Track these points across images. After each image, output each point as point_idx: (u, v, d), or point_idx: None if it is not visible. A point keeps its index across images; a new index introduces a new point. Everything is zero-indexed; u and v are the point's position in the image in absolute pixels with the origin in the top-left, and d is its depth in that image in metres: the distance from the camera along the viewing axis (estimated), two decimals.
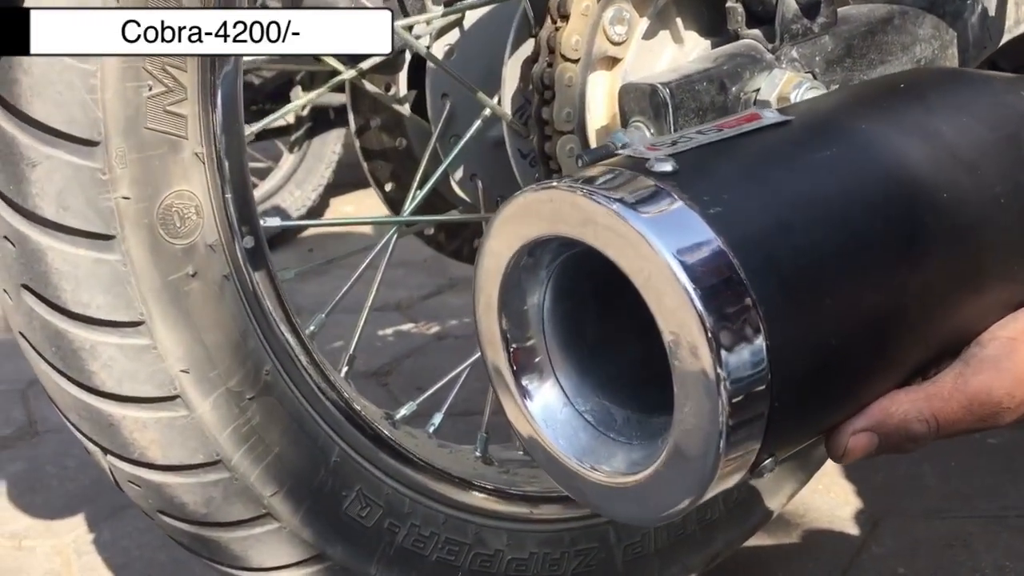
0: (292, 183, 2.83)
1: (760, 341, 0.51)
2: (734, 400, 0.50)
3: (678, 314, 0.50)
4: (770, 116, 0.62)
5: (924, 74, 0.76)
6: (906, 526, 1.27)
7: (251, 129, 0.80)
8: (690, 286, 0.50)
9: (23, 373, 1.84)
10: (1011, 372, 0.60)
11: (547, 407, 0.60)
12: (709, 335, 0.50)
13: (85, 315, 0.70)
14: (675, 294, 0.50)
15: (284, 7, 1.77)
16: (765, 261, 0.52)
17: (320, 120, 2.80)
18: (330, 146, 2.84)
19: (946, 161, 0.62)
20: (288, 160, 2.86)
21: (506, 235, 0.57)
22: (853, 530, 1.27)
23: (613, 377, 0.61)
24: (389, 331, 2.12)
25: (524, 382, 0.60)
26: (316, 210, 2.90)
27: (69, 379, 0.73)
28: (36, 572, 1.30)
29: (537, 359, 0.60)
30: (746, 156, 0.58)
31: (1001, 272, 0.63)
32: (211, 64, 0.71)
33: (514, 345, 0.60)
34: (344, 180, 2.92)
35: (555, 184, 0.55)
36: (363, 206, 2.96)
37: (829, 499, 1.34)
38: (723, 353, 0.50)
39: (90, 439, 0.76)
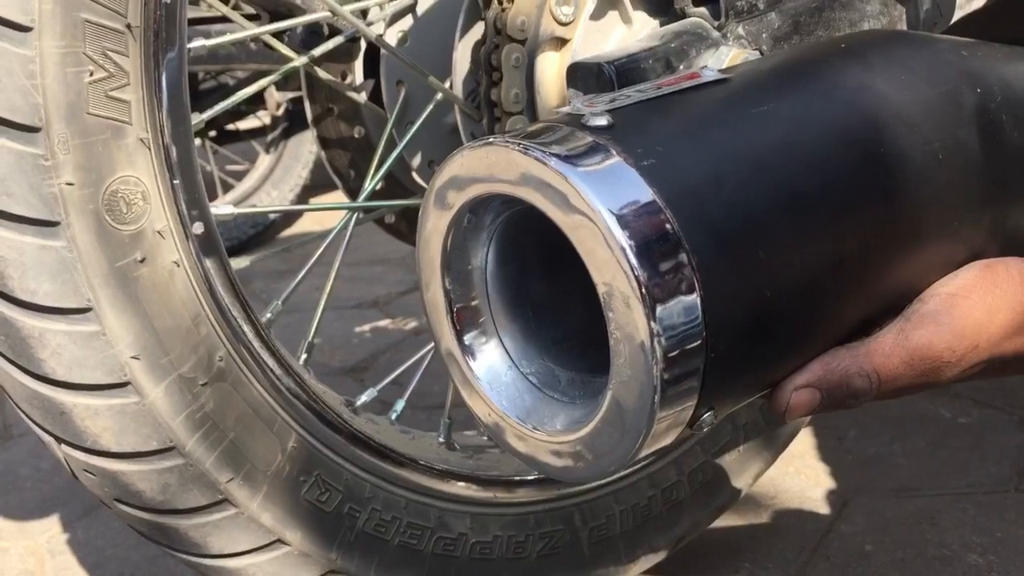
0: (269, 184, 2.84)
1: (694, 294, 0.50)
2: (668, 354, 0.50)
3: (610, 266, 0.50)
4: (709, 74, 0.62)
5: (866, 35, 0.77)
6: (875, 505, 1.28)
7: (200, 117, 0.80)
8: (622, 238, 0.49)
9: None
10: (951, 327, 0.60)
11: (491, 369, 0.60)
12: (642, 288, 0.49)
13: (32, 302, 0.70)
14: (607, 247, 0.50)
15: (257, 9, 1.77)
16: (699, 213, 0.52)
17: (296, 120, 2.81)
18: (307, 146, 2.84)
19: (884, 116, 0.62)
20: (264, 161, 2.86)
21: (447, 193, 0.57)
22: (823, 509, 1.28)
23: (558, 339, 0.61)
24: (367, 327, 2.12)
25: (467, 342, 0.60)
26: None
27: (19, 367, 0.72)
28: (10, 573, 1.29)
29: (481, 320, 0.60)
30: (683, 111, 0.58)
31: (941, 229, 0.63)
32: (154, 49, 0.71)
33: (458, 305, 0.59)
34: (322, 180, 2.92)
35: (492, 140, 0.55)
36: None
37: (800, 480, 1.35)
38: (656, 306, 0.49)
39: (43, 428, 0.75)
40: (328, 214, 2.90)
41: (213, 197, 2.76)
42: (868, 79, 0.64)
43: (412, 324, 2.11)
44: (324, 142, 1.10)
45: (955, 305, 0.61)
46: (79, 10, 0.67)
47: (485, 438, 1.02)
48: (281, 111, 2.79)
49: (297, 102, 2.71)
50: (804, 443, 1.43)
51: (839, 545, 1.20)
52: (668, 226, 0.51)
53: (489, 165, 0.55)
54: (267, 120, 2.85)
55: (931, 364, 0.60)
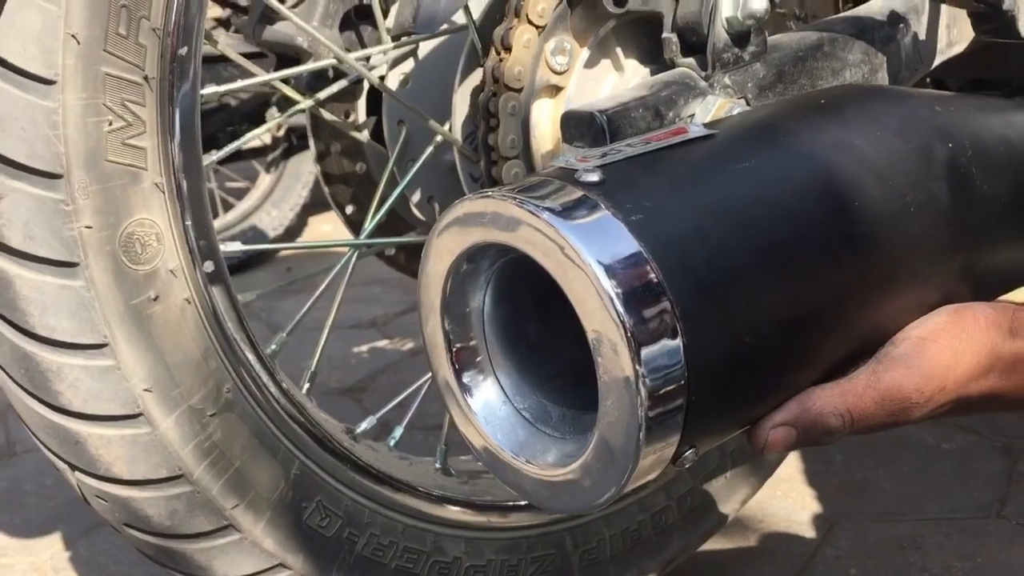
0: (269, 203, 2.87)
1: (676, 340, 0.54)
2: (652, 395, 0.54)
3: (599, 314, 0.54)
4: (695, 130, 0.66)
5: (844, 90, 0.81)
6: (860, 529, 1.31)
7: (212, 158, 0.84)
8: (609, 288, 0.53)
9: (2, 396, 1.87)
10: (920, 369, 0.63)
11: (487, 405, 0.63)
12: (628, 334, 0.53)
13: (52, 338, 0.74)
14: (596, 296, 0.54)
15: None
16: (682, 265, 0.56)
17: (296, 141, 2.85)
18: (307, 166, 2.88)
19: (859, 172, 0.65)
20: (265, 180, 2.90)
21: (447, 241, 0.61)
22: (809, 533, 1.31)
23: (550, 376, 0.64)
24: (364, 348, 2.16)
25: (465, 380, 0.63)
26: (294, 229, 2.94)
27: (38, 399, 0.76)
28: None
29: (478, 359, 0.63)
30: (669, 167, 0.62)
31: (913, 276, 0.67)
32: (168, 97, 0.75)
33: (457, 345, 0.63)
34: (322, 199, 2.95)
35: (490, 193, 0.58)
36: (341, 224, 3.01)
37: (787, 504, 1.39)
38: (641, 351, 0.53)
39: (58, 456, 0.79)
40: (332, 235, 2.95)
41: (214, 215, 2.79)
42: (844, 136, 0.68)
43: (409, 345, 2.15)
44: (327, 177, 1.14)
45: (924, 349, 0.64)
46: (100, 64, 0.71)
47: (480, 464, 1.06)
48: (282, 132, 2.83)
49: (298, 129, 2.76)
50: (792, 467, 1.47)
51: (824, 569, 1.23)
52: (653, 277, 0.55)
53: (487, 217, 0.59)
54: (268, 140, 2.89)
55: (901, 404, 0.63)
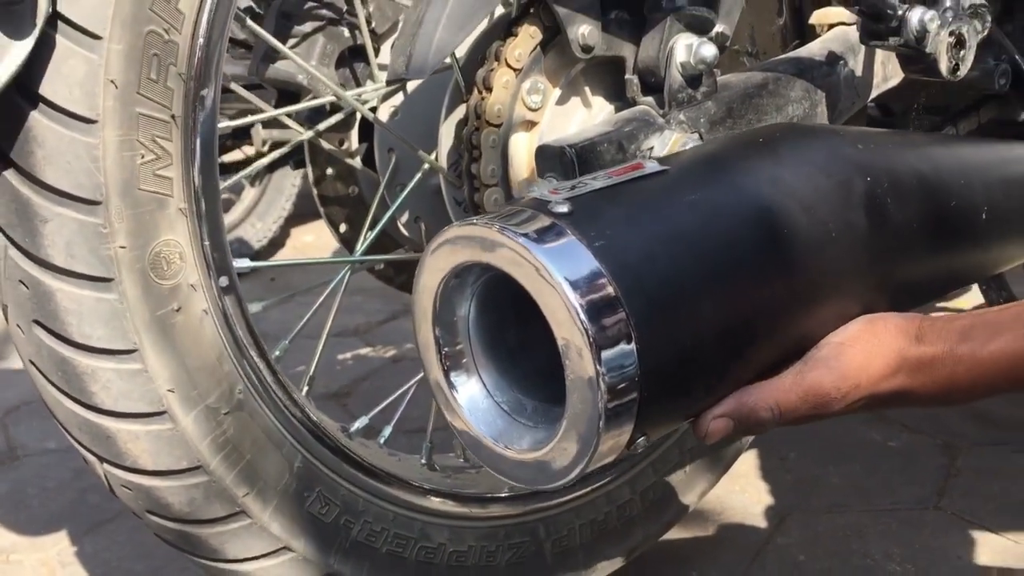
0: (254, 215, 2.97)
1: (631, 345, 0.65)
2: (610, 390, 0.65)
3: (567, 323, 0.65)
4: (651, 166, 0.77)
5: (779, 129, 0.91)
6: (809, 520, 1.43)
7: (223, 184, 0.94)
8: (576, 302, 0.64)
9: (1, 402, 1.95)
10: (838, 369, 0.74)
11: (471, 399, 0.74)
12: (590, 341, 0.64)
13: (87, 345, 0.83)
14: (564, 309, 0.65)
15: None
16: (637, 283, 0.67)
17: (280, 156, 2.94)
18: (290, 179, 2.98)
19: (788, 203, 0.77)
20: (250, 193, 2.99)
21: (438, 261, 0.71)
22: (763, 524, 1.43)
23: (525, 374, 0.75)
24: (348, 355, 2.25)
25: (453, 378, 0.74)
26: (277, 240, 3.04)
27: (73, 399, 0.86)
28: None
29: (464, 360, 0.74)
30: (627, 199, 0.73)
31: (833, 292, 0.78)
32: (192, 133, 0.85)
33: (446, 349, 0.74)
34: (304, 211, 3.05)
35: (475, 221, 0.69)
36: (323, 235, 3.10)
37: (744, 498, 1.50)
38: (601, 354, 0.64)
39: (89, 450, 0.89)
40: (314, 246, 3.04)
41: None
42: (776, 172, 0.79)
43: (391, 352, 2.24)
44: (323, 199, 1.24)
45: (842, 352, 0.76)
46: (135, 106, 0.81)
47: (462, 460, 1.16)
48: (266, 146, 2.92)
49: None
50: (749, 463, 1.58)
51: (775, 555, 1.35)
52: (612, 292, 0.66)
53: (473, 241, 0.70)
54: (251, 153, 2.98)
55: (822, 399, 0.74)
